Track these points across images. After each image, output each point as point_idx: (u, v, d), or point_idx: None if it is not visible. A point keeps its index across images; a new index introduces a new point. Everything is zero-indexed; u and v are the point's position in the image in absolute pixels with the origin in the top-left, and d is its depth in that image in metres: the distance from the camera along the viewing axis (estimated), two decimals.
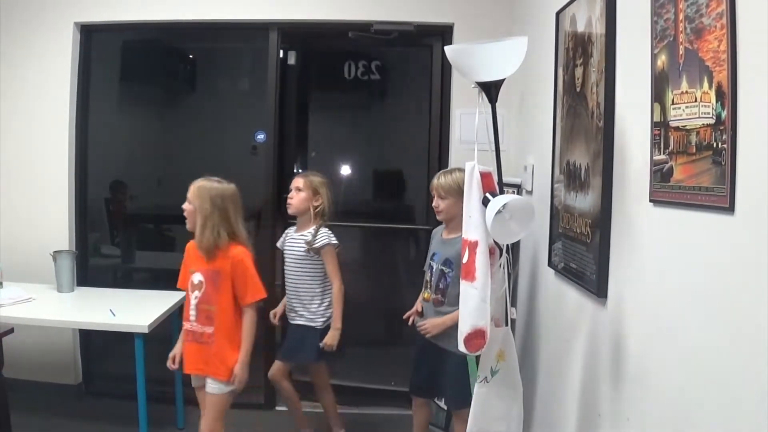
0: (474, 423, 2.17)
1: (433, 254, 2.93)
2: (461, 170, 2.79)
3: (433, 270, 2.88)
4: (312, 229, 3.18)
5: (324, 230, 3.19)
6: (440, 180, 2.85)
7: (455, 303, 2.69)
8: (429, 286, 2.91)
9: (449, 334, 2.69)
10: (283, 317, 3.34)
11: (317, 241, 3.14)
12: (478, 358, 2.17)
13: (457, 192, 2.76)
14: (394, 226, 4.48)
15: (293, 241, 3.26)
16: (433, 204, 2.89)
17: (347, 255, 5.12)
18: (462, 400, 2.73)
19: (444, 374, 2.84)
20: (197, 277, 2.69)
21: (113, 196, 4.67)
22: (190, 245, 2.76)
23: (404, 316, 3.03)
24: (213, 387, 2.66)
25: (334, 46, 4.32)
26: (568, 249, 2.37)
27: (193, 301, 2.69)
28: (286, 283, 3.28)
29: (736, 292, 1.30)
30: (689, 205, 1.48)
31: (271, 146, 3.86)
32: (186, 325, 2.72)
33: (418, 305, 2.99)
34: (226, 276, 2.65)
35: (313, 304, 3.20)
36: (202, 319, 2.67)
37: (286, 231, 3.39)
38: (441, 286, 2.83)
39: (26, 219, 3.80)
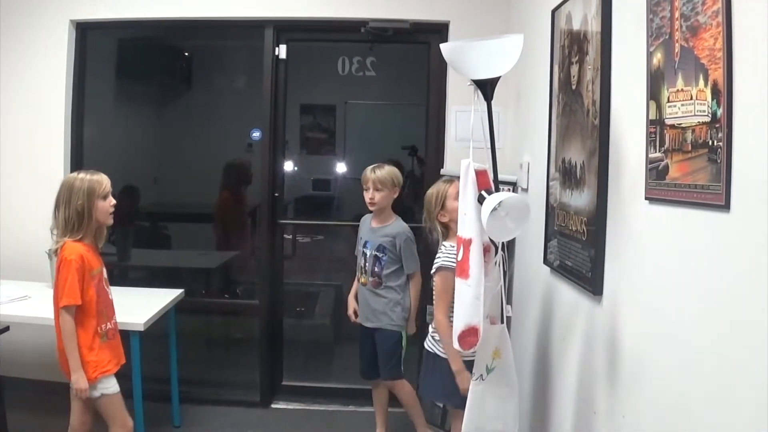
0: (470, 421, 2.17)
1: (365, 242, 3.17)
2: (389, 164, 3.14)
3: (367, 256, 3.14)
4: None
5: None
6: (377, 173, 3.08)
7: (390, 282, 3.10)
8: (364, 272, 3.17)
9: (376, 314, 3.14)
10: None
11: None
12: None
13: (391, 184, 3.07)
14: None
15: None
16: (369, 196, 3.09)
17: (343, 253, 5.15)
18: (395, 372, 3.15)
19: (378, 351, 3.15)
20: (105, 272, 2.70)
21: (127, 201, 4.67)
22: (81, 248, 2.55)
23: (352, 318, 3.31)
24: None
25: None
26: (563, 246, 2.37)
27: (112, 296, 2.71)
28: None
29: (731, 289, 1.30)
30: (685, 202, 1.48)
31: (267, 144, 3.85)
32: (110, 325, 2.67)
33: (352, 302, 3.31)
34: None
35: None
36: (114, 310, 2.74)
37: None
38: (376, 269, 3.14)
39: (22, 217, 3.78)
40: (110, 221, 2.65)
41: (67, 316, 2.51)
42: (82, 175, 2.58)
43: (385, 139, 5.18)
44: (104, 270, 2.70)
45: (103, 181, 2.60)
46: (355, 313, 3.30)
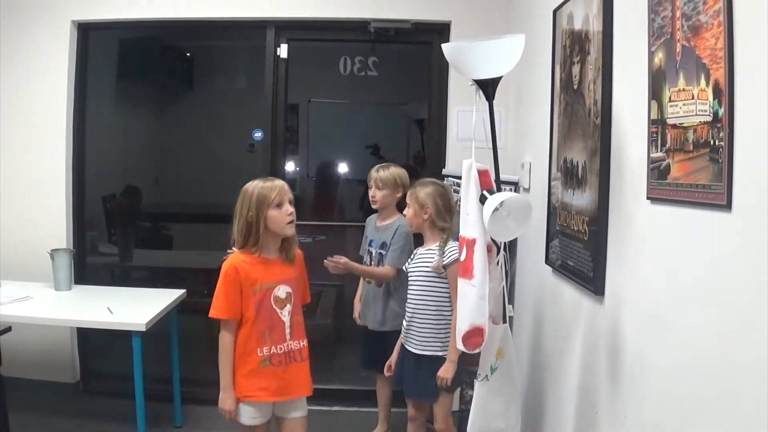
0: (475, 421, 2.17)
1: (371, 240, 3.21)
2: (396, 165, 3.19)
3: (372, 254, 3.18)
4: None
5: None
6: (380, 173, 3.14)
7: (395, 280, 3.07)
8: None
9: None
10: None
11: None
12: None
13: (393, 184, 3.10)
14: None
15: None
16: (371, 194, 3.16)
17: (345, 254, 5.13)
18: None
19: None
20: (284, 290, 2.39)
21: (128, 202, 4.68)
22: (241, 259, 2.35)
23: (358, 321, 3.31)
24: (304, 408, 2.49)
25: None
26: (565, 246, 2.37)
27: (286, 318, 2.38)
28: None
29: (733, 288, 1.30)
30: (686, 202, 1.48)
31: (269, 144, 3.85)
32: (274, 350, 2.36)
33: (357, 304, 3.31)
34: (303, 279, 2.49)
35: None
36: (296, 334, 2.42)
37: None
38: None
39: (24, 217, 3.79)
40: (289, 231, 2.36)
41: (222, 331, 2.36)
42: (256, 182, 2.35)
43: (348, 138, 5.23)
44: (280, 288, 2.37)
45: (276, 188, 2.32)
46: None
